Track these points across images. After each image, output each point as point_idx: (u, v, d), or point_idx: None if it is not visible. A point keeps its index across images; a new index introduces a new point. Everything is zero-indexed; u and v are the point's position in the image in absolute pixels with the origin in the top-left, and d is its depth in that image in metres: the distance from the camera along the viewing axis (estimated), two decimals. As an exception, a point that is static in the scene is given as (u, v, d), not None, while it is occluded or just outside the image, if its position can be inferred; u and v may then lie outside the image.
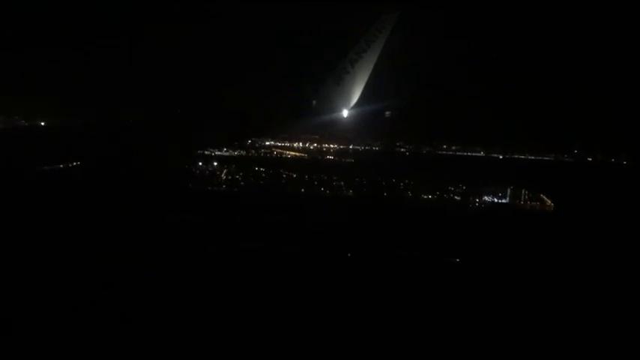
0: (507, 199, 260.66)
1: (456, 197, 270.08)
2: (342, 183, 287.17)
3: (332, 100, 36.65)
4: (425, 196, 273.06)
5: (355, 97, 37.33)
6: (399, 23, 37.82)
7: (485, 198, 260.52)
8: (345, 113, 36.97)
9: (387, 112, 44.77)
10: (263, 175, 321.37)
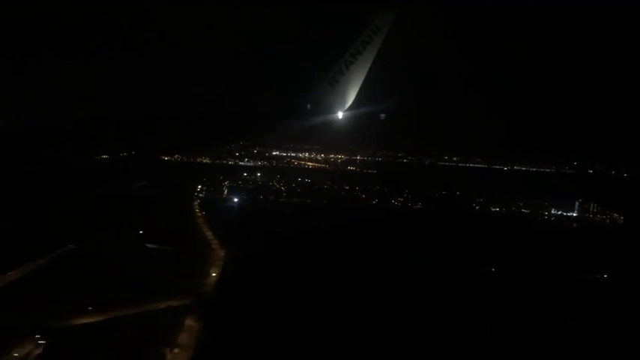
0: (576, 212, 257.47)
1: (524, 210, 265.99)
2: (405, 195, 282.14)
3: (327, 101, 36.58)
4: (494, 209, 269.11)
5: (350, 99, 37.28)
6: (394, 25, 37.80)
7: (554, 211, 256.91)
8: (340, 115, 36.96)
9: (382, 115, 44.98)
10: (326, 190, 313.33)
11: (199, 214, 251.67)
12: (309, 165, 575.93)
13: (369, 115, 41.47)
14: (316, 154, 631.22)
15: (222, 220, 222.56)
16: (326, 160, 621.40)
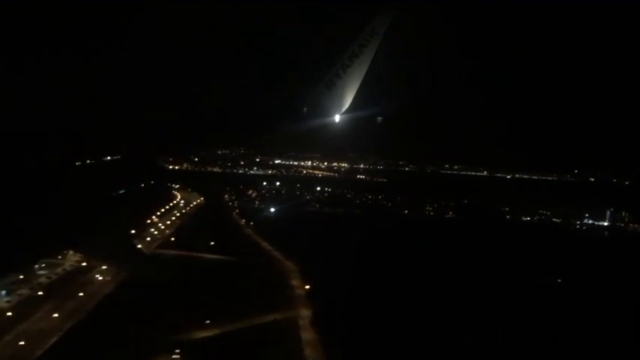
0: (607, 221, 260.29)
1: (554, 219, 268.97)
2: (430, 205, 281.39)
3: (323, 104, 36.28)
4: (525, 218, 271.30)
5: (347, 102, 37.01)
6: (391, 27, 37.54)
7: (586, 220, 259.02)
8: (337, 118, 36.65)
9: (379, 118, 44.75)
10: (351, 199, 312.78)
11: (244, 224, 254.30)
12: (318, 174, 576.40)
13: (366, 119, 41.11)
14: (319, 163, 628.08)
15: (270, 230, 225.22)
16: (333, 169, 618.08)
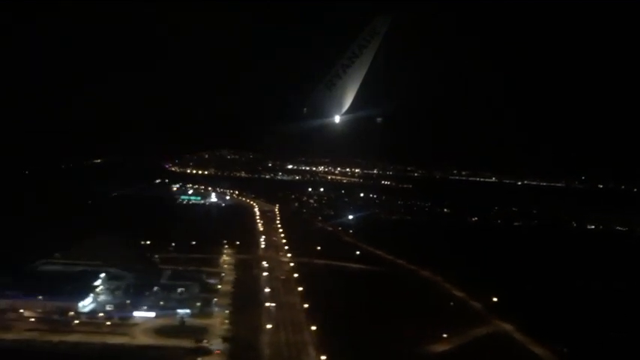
0: None
1: (618, 228, 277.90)
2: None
3: (323, 105, 36.28)
4: (590, 227, 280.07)
5: (347, 103, 37.01)
6: (391, 28, 37.47)
7: None
8: (337, 119, 36.63)
9: (379, 119, 44.64)
10: (393, 204, 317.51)
11: (342, 231, 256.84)
12: (343, 179, 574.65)
13: (366, 120, 41.13)
14: (333, 168, 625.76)
15: (371, 238, 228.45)
16: (354, 175, 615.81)
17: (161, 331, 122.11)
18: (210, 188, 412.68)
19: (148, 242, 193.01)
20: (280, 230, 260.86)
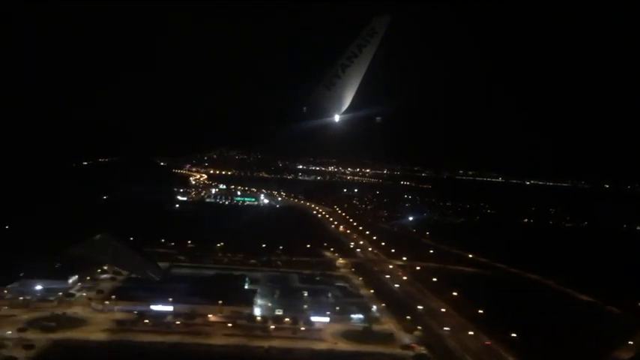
0: None
1: None
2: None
3: (323, 105, 36.33)
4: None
5: (347, 103, 37.03)
6: (391, 27, 37.51)
7: None
8: (336, 118, 36.70)
9: (378, 118, 44.64)
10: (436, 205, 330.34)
11: (416, 233, 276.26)
12: (362, 179, 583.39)
13: (366, 119, 41.21)
14: (343, 168, 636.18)
15: (448, 239, 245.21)
16: (370, 175, 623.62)
17: (350, 336, 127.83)
18: (247, 189, 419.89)
19: (251, 246, 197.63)
20: (359, 231, 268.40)
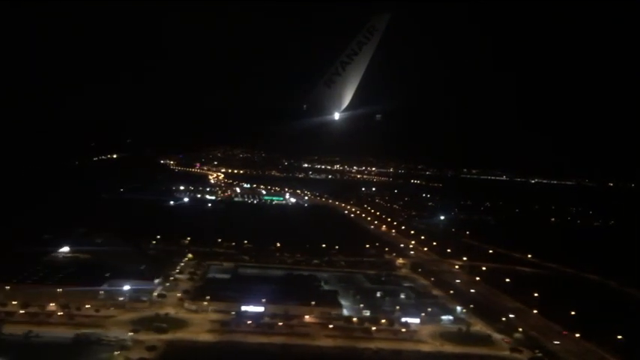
0: None
1: None
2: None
3: (323, 102, 37.05)
4: None
5: (347, 100, 37.53)
6: (390, 26, 37.52)
7: None
8: (336, 116, 37.17)
9: (378, 116, 44.53)
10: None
11: (457, 232, 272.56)
12: (373, 179, 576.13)
13: (365, 117, 41.59)
14: (349, 167, 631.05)
15: (487, 238, 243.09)
16: (382, 173, 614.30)
17: (449, 338, 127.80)
18: (270, 188, 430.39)
19: (307, 246, 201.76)
20: (400, 230, 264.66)
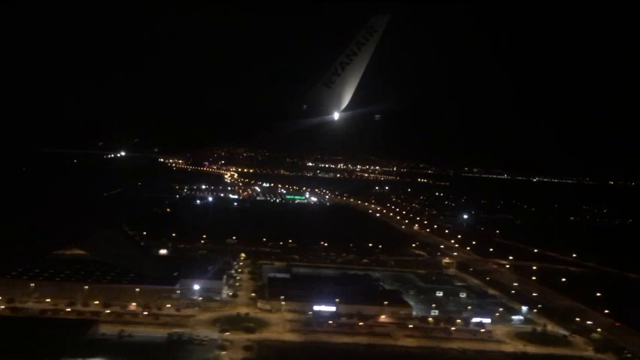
0: None
1: None
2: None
3: (323, 102, 37.35)
4: None
5: (346, 100, 37.61)
6: (390, 25, 37.49)
7: None
8: (336, 116, 37.48)
9: (377, 115, 43.74)
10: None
11: (487, 231, 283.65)
12: (380, 177, 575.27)
13: (365, 116, 41.79)
14: (353, 166, 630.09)
15: (518, 237, 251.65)
16: (386, 172, 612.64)
17: (526, 338, 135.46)
18: (289, 187, 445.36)
19: (351, 245, 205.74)
20: (432, 230, 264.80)
